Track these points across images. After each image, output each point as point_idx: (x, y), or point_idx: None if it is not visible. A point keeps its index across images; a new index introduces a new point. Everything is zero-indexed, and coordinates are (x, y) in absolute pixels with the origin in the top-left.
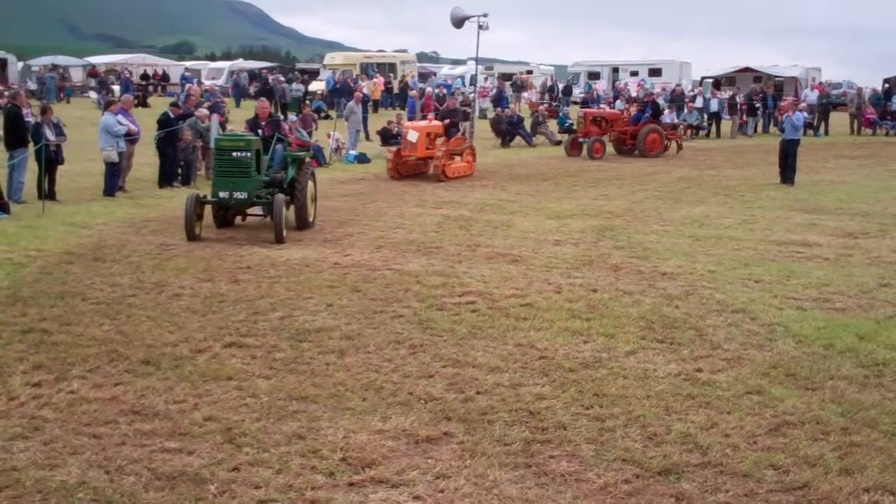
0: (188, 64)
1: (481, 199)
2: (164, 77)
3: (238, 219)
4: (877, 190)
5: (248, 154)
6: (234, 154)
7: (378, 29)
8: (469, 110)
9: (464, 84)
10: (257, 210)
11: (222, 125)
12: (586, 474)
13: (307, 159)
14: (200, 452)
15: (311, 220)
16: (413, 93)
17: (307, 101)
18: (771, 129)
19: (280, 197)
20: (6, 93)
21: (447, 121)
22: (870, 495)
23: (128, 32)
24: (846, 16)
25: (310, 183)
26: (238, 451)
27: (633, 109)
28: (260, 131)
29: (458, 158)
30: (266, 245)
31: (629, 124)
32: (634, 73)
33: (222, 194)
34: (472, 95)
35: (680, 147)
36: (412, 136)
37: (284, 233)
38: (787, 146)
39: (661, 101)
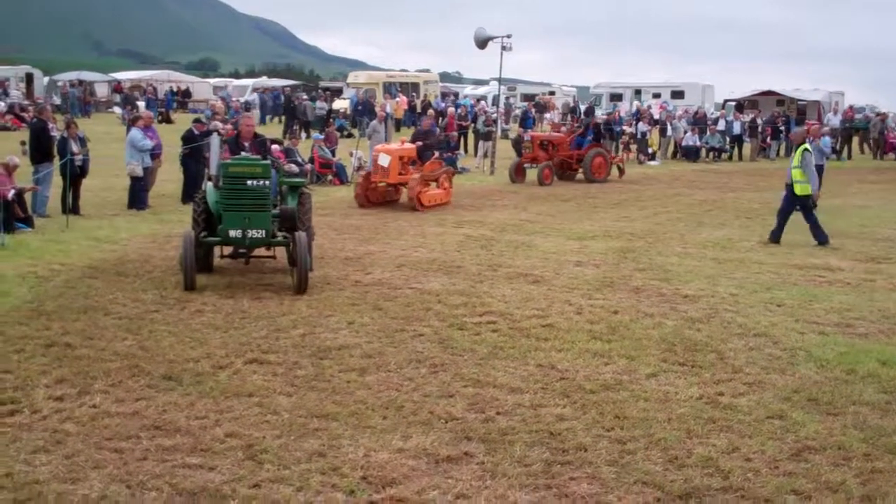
0: (213, 81)
1: (502, 218)
2: (187, 93)
3: (217, 258)
4: None
5: (266, 182)
6: (250, 183)
7: (401, 48)
8: (493, 129)
9: (471, 104)
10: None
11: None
12: (607, 497)
13: (305, 188)
14: (221, 468)
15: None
16: (430, 112)
17: (331, 120)
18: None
19: (303, 236)
20: (31, 107)
21: (419, 143)
22: None
23: (152, 49)
24: (870, 40)
25: None
26: (259, 467)
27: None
28: (244, 153)
29: (433, 185)
30: (287, 263)
31: (572, 148)
32: (657, 95)
33: (233, 233)
34: (494, 115)
35: (622, 172)
36: (383, 160)
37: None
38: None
39: (682, 122)
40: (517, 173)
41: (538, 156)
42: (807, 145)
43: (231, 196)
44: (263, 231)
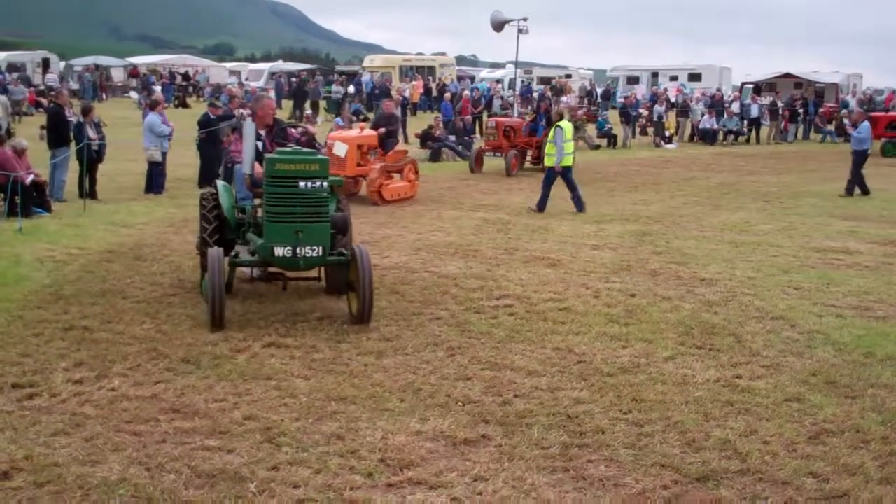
0: (229, 65)
1: (519, 202)
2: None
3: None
4: None
5: (324, 184)
6: (303, 185)
7: (417, 32)
8: (509, 113)
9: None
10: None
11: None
12: (624, 479)
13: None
14: (240, 451)
15: None
16: (447, 95)
17: (347, 104)
18: (811, 135)
19: (365, 251)
20: (50, 92)
21: (382, 129)
22: None
23: (168, 34)
24: (890, 23)
25: None
26: (277, 450)
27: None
28: (260, 144)
29: (397, 177)
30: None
31: (527, 134)
32: (674, 78)
33: (280, 251)
34: (511, 99)
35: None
36: (339, 149)
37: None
38: (857, 157)
39: (700, 105)
40: (478, 163)
41: (502, 143)
42: (560, 123)
43: (277, 202)
44: (320, 248)
